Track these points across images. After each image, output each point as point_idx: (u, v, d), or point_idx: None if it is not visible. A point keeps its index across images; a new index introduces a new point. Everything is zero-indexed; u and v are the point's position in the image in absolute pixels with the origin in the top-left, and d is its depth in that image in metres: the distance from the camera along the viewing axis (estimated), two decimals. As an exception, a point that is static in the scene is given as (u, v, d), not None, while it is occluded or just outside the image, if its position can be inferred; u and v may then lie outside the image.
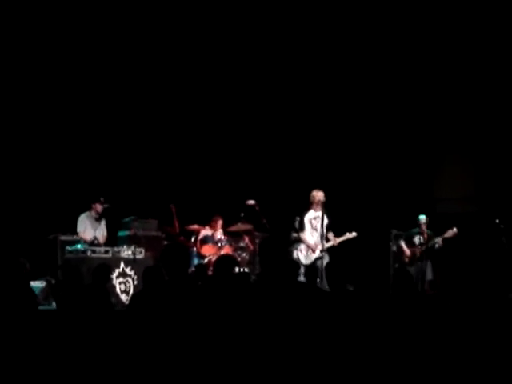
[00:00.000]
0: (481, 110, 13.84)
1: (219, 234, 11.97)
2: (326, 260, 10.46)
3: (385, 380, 4.99)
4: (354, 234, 11.07)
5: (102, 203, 11.15)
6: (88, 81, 13.00)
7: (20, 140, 12.66)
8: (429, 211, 12.37)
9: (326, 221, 10.77)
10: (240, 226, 12.07)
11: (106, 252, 10.65)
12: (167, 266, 4.77)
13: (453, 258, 12.36)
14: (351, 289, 5.78)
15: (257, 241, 11.73)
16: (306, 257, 10.82)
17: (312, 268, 10.08)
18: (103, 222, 11.30)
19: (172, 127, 13.61)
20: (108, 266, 7.88)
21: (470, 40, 13.32)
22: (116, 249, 10.77)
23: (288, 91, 13.81)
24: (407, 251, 11.60)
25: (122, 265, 10.62)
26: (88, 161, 13.01)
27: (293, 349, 4.29)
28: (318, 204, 10.87)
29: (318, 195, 10.88)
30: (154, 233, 11.60)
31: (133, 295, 9.08)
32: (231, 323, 4.43)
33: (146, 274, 6.44)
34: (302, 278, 9.51)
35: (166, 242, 11.28)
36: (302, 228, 10.92)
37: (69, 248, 10.65)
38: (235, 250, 11.97)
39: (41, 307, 8.08)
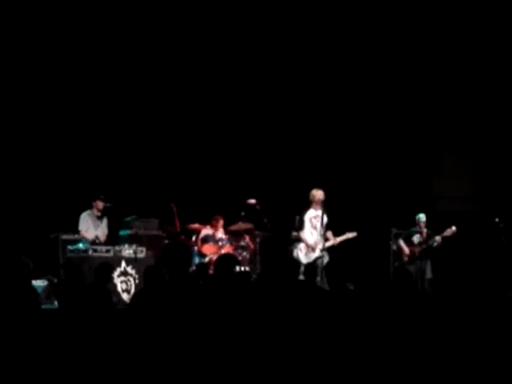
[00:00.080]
0: (480, 108, 13.84)
1: (220, 233, 11.99)
2: (326, 259, 10.48)
3: (385, 379, 5.01)
4: (354, 233, 11.09)
5: (102, 200, 11.19)
6: (89, 81, 13.02)
7: (22, 140, 12.67)
8: (428, 210, 12.38)
9: (325, 220, 10.79)
10: (241, 225, 12.09)
11: (108, 251, 10.67)
12: (168, 265, 4.77)
13: (453, 257, 12.38)
14: (351, 288, 5.80)
15: (257, 240, 11.74)
16: (306, 256, 10.83)
17: (311, 267, 10.09)
18: (105, 221, 11.34)
19: (173, 126, 13.62)
20: (109, 265, 7.89)
21: (470, 40, 13.33)
22: (117, 248, 10.79)
23: (288, 91, 13.82)
24: (406, 250, 11.60)
25: (124, 264, 10.65)
26: (89, 160, 13.03)
27: (294, 347, 4.30)
28: (317, 203, 10.89)
29: (318, 194, 10.90)
30: (155, 232, 11.61)
31: (134, 294, 9.10)
32: (232, 322, 4.44)
33: (147, 273, 6.45)
34: (301, 277, 9.53)
35: (167, 241, 11.29)
36: (301, 227, 10.94)
37: (70, 247, 10.67)
38: (236, 249, 11.98)
39: (43, 306, 8.09)
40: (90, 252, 10.52)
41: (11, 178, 12.44)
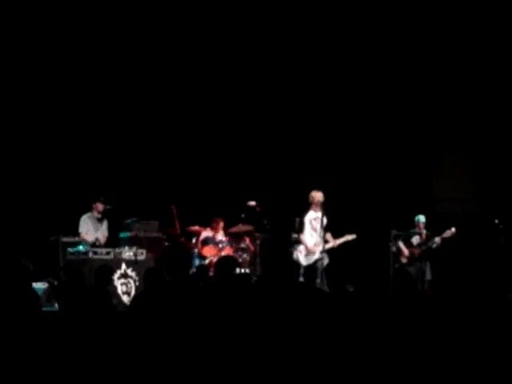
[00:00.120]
0: (480, 110, 13.85)
1: (220, 235, 12.00)
2: (326, 261, 10.48)
3: (386, 381, 5.02)
4: (354, 235, 11.09)
5: (102, 202, 11.20)
6: (90, 83, 13.02)
7: (22, 142, 12.68)
8: (428, 211, 12.39)
9: (324, 221, 10.80)
10: (241, 227, 12.10)
11: (108, 253, 10.68)
12: (168, 267, 4.77)
13: (453, 259, 12.39)
14: (351, 290, 5.80)
15: (257, 242, 11.74)
16: (306, 258, 10.83)
17: (311, 268, 10.10)
18: (105, 223, 11.35)
19: (173, 129, 13.63)
20: (109, 268, 7.90)
21: (470, 40, 13.33)
22: (117, 250, 10.80)
23: (287, 93, 13.83)
24: (406, 252, 11.60)
25: (124, 266, 10.65)
26: (90, 163, 13.03)
27: (294, 349, 4.31)
28: (317, 204, 10.88)
29: (317, 196, 10.90)
30: (155, 234, 11.62)
31: (134, 296, 9.10)
32: (232, 324, 4.45)
33: (147, 275, 6.45)
34: (301, 279, 9.53)
35: (167, 244, 11.30)
36: (301, 229, 10.93)
37: (70, 249, 10.68)
38: (236, 251, 11.99)
39: (43, 309, 8.10)
40: (91, 254, 10.53)
41: (12, 181, 12.45)
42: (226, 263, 5.92)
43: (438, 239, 11.44)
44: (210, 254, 11.74)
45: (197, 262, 11.62)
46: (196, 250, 11.85)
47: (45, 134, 12.85)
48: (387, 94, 13.97)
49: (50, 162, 12.83)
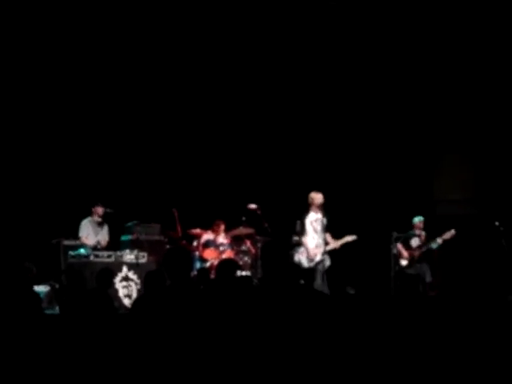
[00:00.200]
0: (480, 111, 13.85)
1: (221, 238, 12.01)
2: (327, 263, 10.50)
3: (387, 382, 5.03)
4: (354, 236, 11.09)
5: (101, 205, 11.21)
6: (90, 85, 13.03)
7: (23, 145, 12.68)
8: (428, 213, 12.40)
9: (324, 223, 10.81)
10: (242, 230, 12.12)
11: (109, 256, 10.70)
12: (169, 270, 4.78)
13: (453, 261, 12.39)
14: (352, 292, 5.82)
15: (258, 245, 11.77)
16: (308, 260, 10.84)
17: (312, 271, 10.11)
18: (106, 228, 11.37)
19: (174, 132, 13.63)
20: (111, 271, 7.90)
21: (470, 41, 13.33)
22: (119, 253, 10.81)
23: (287, 95, 13.84)
24: (405, 253, 11.61)
25: (125, 269, 10.67)
26: (91, 166, 13.03)
27: (295, 352, 4.31)
28: (316, 206, 10.88)
29: (317, 197, 10.89)
30: (156, 237, 11.62)
31: (135, 299, 9.12)
32: (233, 327, 4.46)
33: (148, 278, 6.44)
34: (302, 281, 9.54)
35: (168, 247, 11.31)
36: (303, 231, 10.91)
37: (72, 253, 10.69)
38: (237, 253, 12.00)
39: (44, 311, 8.11)
40: (92, 257, 10.55)
41: (13, 185, 12.45)
42: (227, 266, 5.94)
43: (439, 239, 11.46)
44: (211, 256, 11.75)
45: (198, 264, 11.63)
46: (197, 253, 11.86)
47: (46, 137, 12.84)
48: (387, 95, 13.98)
49: (52, 166, 12.83)
